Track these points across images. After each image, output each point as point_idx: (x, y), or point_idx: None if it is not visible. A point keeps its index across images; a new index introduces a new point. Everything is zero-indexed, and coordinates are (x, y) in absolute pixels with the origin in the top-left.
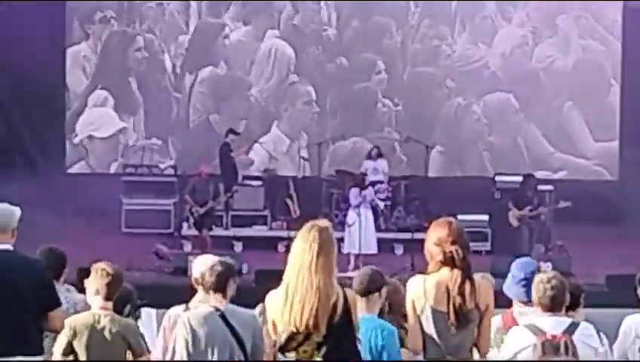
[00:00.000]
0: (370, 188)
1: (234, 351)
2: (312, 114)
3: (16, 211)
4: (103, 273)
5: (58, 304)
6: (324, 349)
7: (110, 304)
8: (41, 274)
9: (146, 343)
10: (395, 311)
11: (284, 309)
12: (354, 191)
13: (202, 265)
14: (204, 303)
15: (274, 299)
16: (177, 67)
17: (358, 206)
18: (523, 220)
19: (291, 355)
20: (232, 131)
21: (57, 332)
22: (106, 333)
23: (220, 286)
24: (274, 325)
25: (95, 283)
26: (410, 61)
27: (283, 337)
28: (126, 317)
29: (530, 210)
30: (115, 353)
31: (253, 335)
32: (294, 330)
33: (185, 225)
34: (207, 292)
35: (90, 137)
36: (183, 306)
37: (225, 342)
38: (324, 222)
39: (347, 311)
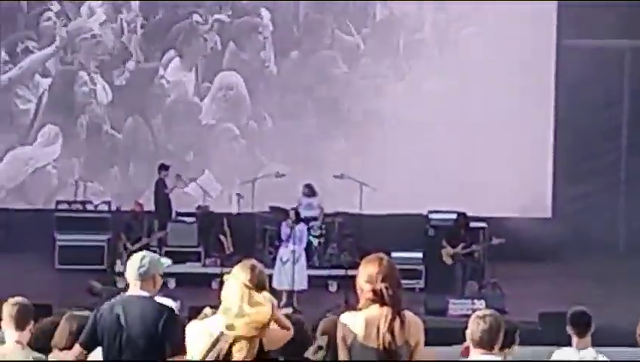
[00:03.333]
0: (301, 223)
1: None
2: (245, 151)
3: (162, 260)
4: (11, 302)
5: (184, 351)
6: None
7: (25, 336)
8: (170, 321)
9: None
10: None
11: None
12: (283, 225)
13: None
14: None
15: (194, 333)
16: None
17: (287, 240)
18: (456, 258)
19: None
20: (163, 167)
21: None
22: None
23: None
24: None
25: (5, 311)
26: (352, 96)
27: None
28: None
29: (464, 248)
30: None
31: None
32: None
33: (118, 261)
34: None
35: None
36: None
37: None
38: (255, 262)
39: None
